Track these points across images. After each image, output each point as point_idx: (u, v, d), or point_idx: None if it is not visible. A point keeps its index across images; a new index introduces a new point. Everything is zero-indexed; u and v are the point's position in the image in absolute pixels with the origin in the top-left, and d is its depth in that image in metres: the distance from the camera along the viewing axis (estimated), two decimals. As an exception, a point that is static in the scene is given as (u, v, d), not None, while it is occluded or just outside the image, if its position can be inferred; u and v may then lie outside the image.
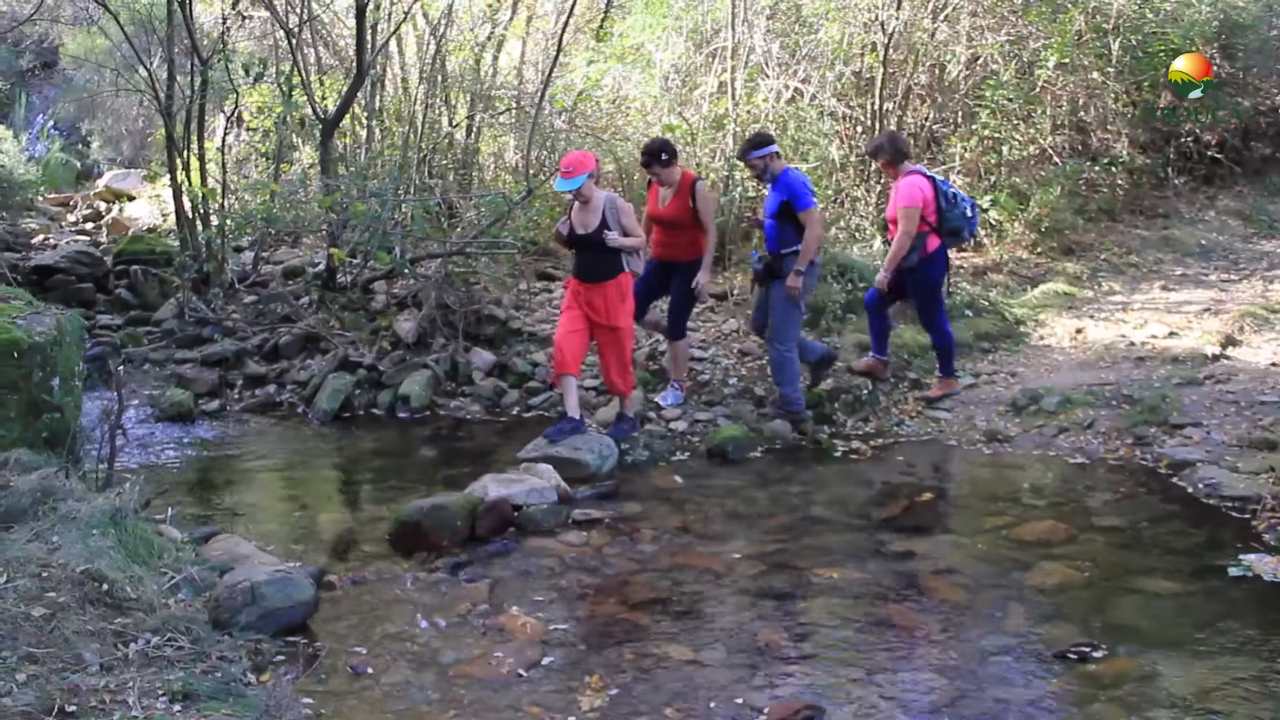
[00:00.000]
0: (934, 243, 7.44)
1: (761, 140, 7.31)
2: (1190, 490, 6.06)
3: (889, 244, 7.68)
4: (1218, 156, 13.06)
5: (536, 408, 7.85)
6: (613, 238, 6.66)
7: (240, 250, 10.81)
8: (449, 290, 8.66)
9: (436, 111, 11.33)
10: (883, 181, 10.73)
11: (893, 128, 10.86)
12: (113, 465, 5.33)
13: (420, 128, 10.81)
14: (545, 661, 4.24)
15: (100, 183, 15.94)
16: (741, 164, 7.80)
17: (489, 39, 11.84)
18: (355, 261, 9.36)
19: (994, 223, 10.76)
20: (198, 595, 4.48)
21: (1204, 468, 6.22)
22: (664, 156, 7.23)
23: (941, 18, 10.85)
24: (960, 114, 11.25)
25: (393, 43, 11.39)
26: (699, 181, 7.33)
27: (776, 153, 7.29)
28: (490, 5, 11.64)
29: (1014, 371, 8.19)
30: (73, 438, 5.53)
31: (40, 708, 3.41)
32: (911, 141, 11.09)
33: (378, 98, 11.50)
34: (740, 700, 3.94)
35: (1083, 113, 11.76)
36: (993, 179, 10.87)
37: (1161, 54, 11.45)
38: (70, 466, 5.20)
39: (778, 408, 7.36)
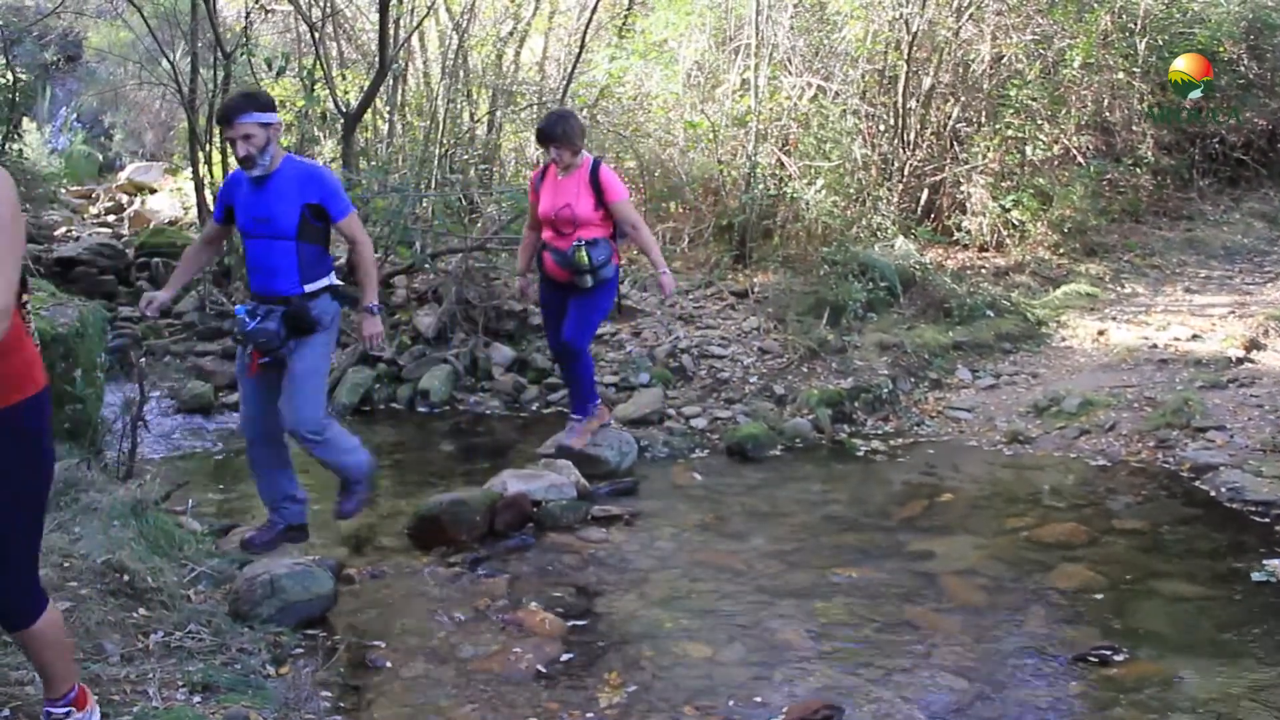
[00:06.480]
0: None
1: (267, 101, 4.57)
2: (1213, 494, 6.01)
3: (557, 251, 5.84)
4: (1243, 158, 12.97)
5: (556, 404, 7.85)
6: None
7: (262, 243, 10.84)
8: (469, 285, 8.66)
9: (458, 106, 11.34)
10: (905, 179, 10.69)
11: (915, 126, 10.81)
12: (134, 457, 5.37)
13: (442, 123, 10.81)
14: (563, 658, 4.24)
15: (122, 175, 16.04)
16: (229, 131, 4.51)
17: (511, 34, 11.84)
18: (376, 256, 9.38)
19: (1017, 223, 10.70)
20: (217, 587, 4.51)
21: (1227, 471, 6.16)
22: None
23: (966, 16, 10.79)
24: (984, 113, 11.19)
25: (415, 37, 11.41)
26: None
27: (280, 125, 4.70)
28: (513, 0, 11.65)
29: (1035, 373, 8.14)
30: (94, 429, 5.54)
31: (62, 697, 3.43)
32: (935, 139, 11.07)
33: (400, 92, 11.52)
34: (759, 699, 3.92)
35: (1107, 113, 11.69)
36: (1016, 179, 10.80)
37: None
38: (92, 458, 5.23)
39: (355, 496, 5.20)
